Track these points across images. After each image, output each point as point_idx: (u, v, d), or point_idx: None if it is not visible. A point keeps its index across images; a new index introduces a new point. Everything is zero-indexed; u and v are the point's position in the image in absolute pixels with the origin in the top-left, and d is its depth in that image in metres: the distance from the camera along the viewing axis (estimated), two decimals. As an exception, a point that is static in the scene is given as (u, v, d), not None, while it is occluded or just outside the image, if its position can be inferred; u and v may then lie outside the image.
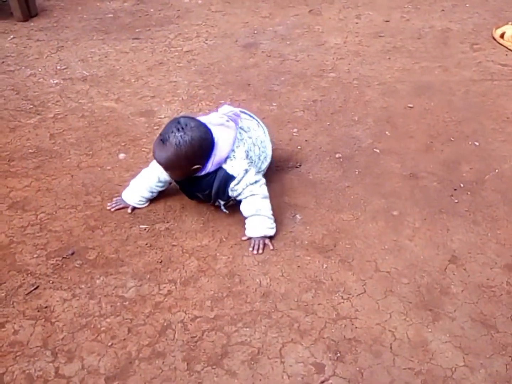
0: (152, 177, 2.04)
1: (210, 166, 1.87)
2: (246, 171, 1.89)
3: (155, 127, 2.62)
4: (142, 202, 2.08)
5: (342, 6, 4.08)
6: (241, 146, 1.95)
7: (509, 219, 2.02)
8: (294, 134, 2.57)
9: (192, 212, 2.07)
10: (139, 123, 2.66)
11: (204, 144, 1.83)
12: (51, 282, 1.73)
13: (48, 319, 1.60)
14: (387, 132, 2.55)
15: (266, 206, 1.93)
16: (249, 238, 1.92)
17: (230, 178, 1.88)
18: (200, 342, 1.54)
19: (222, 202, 1.97)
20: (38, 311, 1.64)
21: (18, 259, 1.83)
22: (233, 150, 1.91)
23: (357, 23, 3.79)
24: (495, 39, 3.49)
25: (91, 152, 2.42)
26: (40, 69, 3.16)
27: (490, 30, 3.62)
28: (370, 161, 2.35)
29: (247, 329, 1.58)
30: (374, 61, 3.24)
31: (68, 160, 2.37)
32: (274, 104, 2.81)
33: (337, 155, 2.40)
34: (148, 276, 1.78)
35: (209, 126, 1.88)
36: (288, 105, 2.80)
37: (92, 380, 1.43)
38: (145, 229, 1.97)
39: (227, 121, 1.95)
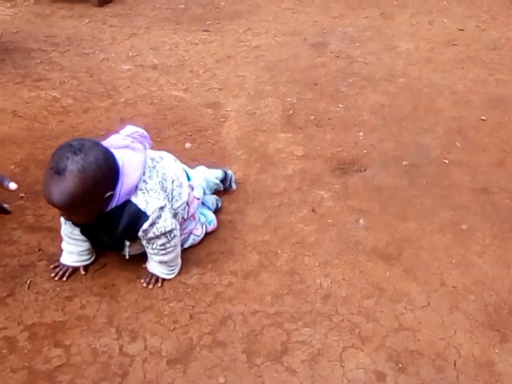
0: (68, 226, 1.66)
1: (117, 198, 1.49)
2: (162, 209, 1.55)
3: (221, 119, 2.65)
4: (85, 255, 1.72)
5: (414, 11, 3.99)
6: (154, 176, 1.60)
7: None
8: (360, 137, 2.53)
9: (255, 206, 2.07)
10: (205, 114, 2.70)
11: (110, 164, 1.47)
12: (118, 262, 1.77)
13: (114, 298, 1.65)
14: (457, 143, 2.48)
15: (172, 259, 1.69)
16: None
17: (143, 216, 1.53)
18: (260, 336, 1.55)
19: (128, 243, 1.65)
20: (105, 288, 1.69)
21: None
22: (144, 181, 1.55)
23: (429, 29, 3.70)
24: None
25: (158, 139, 2.47)
26: (113, 54, 3.25)
27: None
28: (438, 171, 2.29)
29: (307, 329, 1.58)
30: (446, 69, 3.16)
31: (137, 144, 2.42)
32: (340, 105, 2.78)
33: (403, 163, 2.35)
34: (210, 265, 1.80)
35: (112, 150, 1.52)
36: (355, 108, 2.76)
37: (155, 361, 1.46)
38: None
39: (133, 142, 1.58)
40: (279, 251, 1.87)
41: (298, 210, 2.06)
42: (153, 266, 1.70)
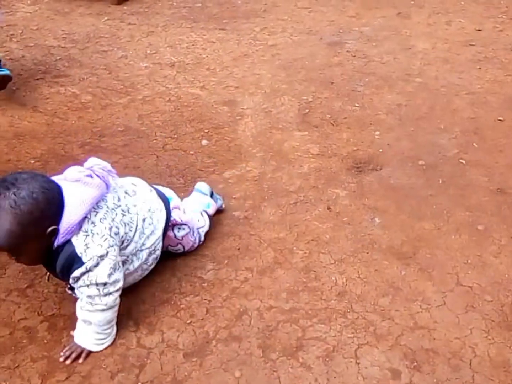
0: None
1: (58, 236, 1.36)
2: (102, 258, 1.39)
3: (238, 117, 2.66)
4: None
5: (432, 11, 3.97)
6: (108, 219, 1.43)
7: None
8: (376, 136, 2.53)
9: (271, 203, 2.09)
10: (222, 111, 2.71)
11: (51, 197, 1.34)
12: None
13: (132, 291, 1.67)
14: (474, 144, 2.46)
15: (99, 322, 1.45)
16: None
17: (77, 261, 1.37)
18: (275, 331, 1.56)
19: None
20: (123, 281, 1.71)
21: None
22: (93, 223, 1.40)
23: (447, 29, 3.68)
24: None
25: (175, 136, 2.50)
26: (131, 52, 3.28)
27: None
28: (455, 171, 2.28)
29: (322, 325, 1.59)
30: (463, 69, 3.14)
31: (154, 141, 2.45)
32: (357, 104, 2.78)
33: (420, 162, 2.34)
34: (226, 261, 1.82)
35: (62, 183, 1.40)
36: (371, 107, 2.76)
37: (172, 354, 1.48)
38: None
39: (88, 176, 1.42)
40: (294, 248, 1.89)
41: (314, 208, 2.07)
42: (78, 331, 1.48)
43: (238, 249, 1.87)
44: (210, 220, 1.91)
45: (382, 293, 1.71)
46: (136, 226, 1.54)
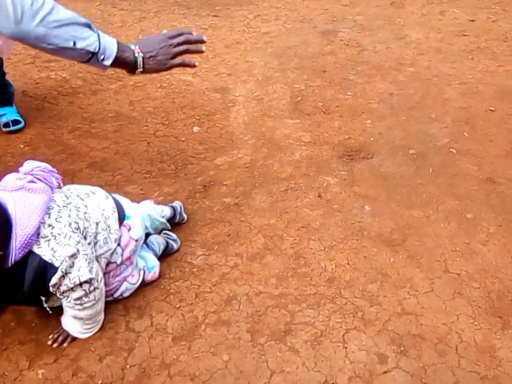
0: None
1: (13, 253, 1.25)
2: (74, 256, 1.31)
3: (230, 104, 2.65)
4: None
5: (426, 1, 3.96)
6: (64, 216, 1.35)
7: None
8: (368, 125, 2.53)
9: (261, 190, 2.09)
10: (214, 98, 2.70)
11: None
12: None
13: (121, 275, 1.67)
14: (465, 133, 2.47)
15: (89, 316, 1.43)
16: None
17: (50, 268, 1.29)
18: (264, 316, 1.57)
19: (43, 298, 1.41)
20: (112, 266, 1.71)
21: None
22: (50, 225, 1.31)
23: (440, 19, 3.68)
24: None
25: (167, 122, 2.48)
26: (122, 37, 3.25)
27: None
28: (445, 160, 2.29)
29: (311, 310, 1.59)
30: (456, 59, 3.14)
31: (145, 127, 2.44)
32: (349, 93, 2.78)
33: (410, 151, 2.35)
34: (216, 247, 1.82)
35: (4, 195, 1.29)
36: (364, 96, 2.76)
37: (160, 337, 1.48)
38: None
39: (30, 181, 1.34)
40: (284, 234, 1.89)
41: (304, 195, 2.07)
42: (66, 320, 1.46)
43: (228, 235, 1.87)
44: (140, 283, 1.61)
45: (370, 280, 1.72)
46: (91, 227, 1.43)
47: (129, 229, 1.57)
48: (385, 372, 1.42)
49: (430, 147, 2.38)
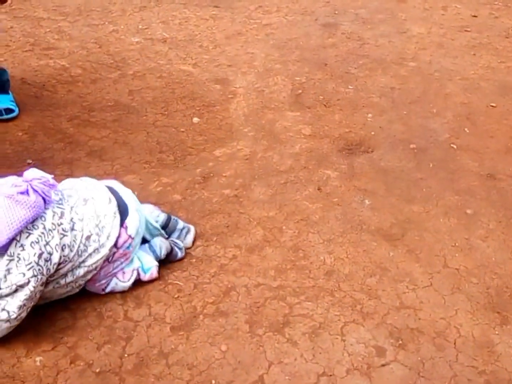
0: None
1: None
2: (20, 288, 1.30)
3: (230, 96, 2.64)
4: None
5: (428, -4, 3.94)
6: (41, 241, 1.32)
7: None
8: (369, 119, 2.52)
9: (261, 182, 2.08)
10: (214, 89, 2.68)
11: None
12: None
13: (119, 265, 1.66)
14: (466, 129, 2.47)
15: None
16: None
17: None
18: (262, 308, 1.56)
19: None
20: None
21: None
22: (21, 246, 1.29)
23: (443, 14, 3.66)
24: None
25: (166, 112, 2.47)
26: (122, 26, 3.22)
27: None
28: (446, 155, 2.28)
29: (309, 303, 1.59)
30: (457, 55, 3.13)
31: (145, 117, 2.42)
32: (350, 86, 2.77)
33: (411, 146, 2.34)
34: (215, 238, 1.81)
35: None
36: (365, 89, 2.75)
37: (158, 327, 1.48)
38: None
39: (23, 193, 1.31)
40: (283, 227, 1.88)
41: (304, 188, 2.06)
42: None
43: (227, 226, 1.87)
44: (132, 283, 1.58)
45: (369, 273, 1.71)
46: (78, 246, 1.41)
47: (126, 227, 1.54)
48: (383, 365, 1.42)
49: (431, 142, 2.37)
